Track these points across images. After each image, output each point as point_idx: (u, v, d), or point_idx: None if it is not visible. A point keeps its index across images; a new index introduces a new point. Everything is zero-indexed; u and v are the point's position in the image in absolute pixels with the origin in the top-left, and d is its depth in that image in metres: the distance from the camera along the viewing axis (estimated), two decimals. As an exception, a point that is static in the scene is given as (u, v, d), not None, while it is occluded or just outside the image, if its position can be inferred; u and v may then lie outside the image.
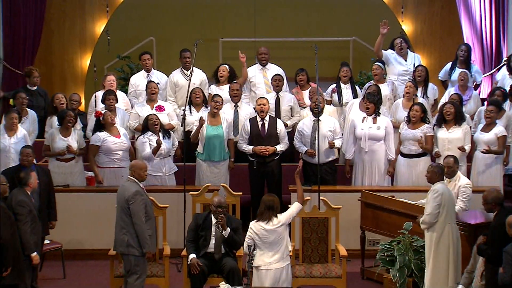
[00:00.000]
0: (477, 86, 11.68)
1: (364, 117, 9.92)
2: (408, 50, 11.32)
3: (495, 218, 7.38)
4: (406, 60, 11.20)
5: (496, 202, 7.39)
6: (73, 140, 9.90)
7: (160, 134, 9.89)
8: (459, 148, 9.61)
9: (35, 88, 11.29)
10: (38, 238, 7.92)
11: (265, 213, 7.47)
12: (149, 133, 9.87)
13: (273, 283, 7.37)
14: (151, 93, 10.61)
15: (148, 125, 9.89)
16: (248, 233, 7.49)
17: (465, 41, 12.22)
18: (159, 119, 9.95)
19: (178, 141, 10.46)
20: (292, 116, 10.73)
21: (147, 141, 9.82)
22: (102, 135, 9.87)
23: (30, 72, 11.32)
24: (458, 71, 11.06)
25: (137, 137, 10.09)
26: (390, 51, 11.16)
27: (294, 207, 7.68)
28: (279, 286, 7.35)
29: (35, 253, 7.76)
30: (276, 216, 7.48)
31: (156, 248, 8.09)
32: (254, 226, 7.46)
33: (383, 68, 10.92)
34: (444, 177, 8.16)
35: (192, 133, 10.04)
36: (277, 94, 10.74)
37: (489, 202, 7.42)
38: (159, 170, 9.90)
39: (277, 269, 7.41)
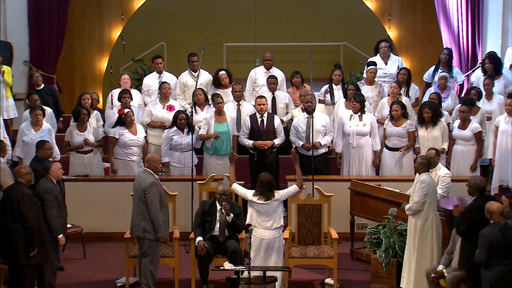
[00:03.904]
0: (459, 86, 11.66)
1: (351, 115, 9.93)
2: (391, 54, 11.33)
3: (473, 201, 7.43)
4: (386, 64, 11.22)
5: (475, 188, 7.40)
6: (90, 134, 9.97)
7: (185, 129, 9.88)
8: (440, 151, 9.61)
9: (41, 87, 11.25)
10: (63, 222, 7.89)
11: (266, 193, 7.57)
12: (174, 128, 9.87)
13: (267, 250, 7.53)
14: (165, 92, 10.57)
15: (176, 122, 9.88)
16: (244, 193, 7.70)
17: (444, 46, 12.21)
18: (187, 118, 9.91)
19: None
20: (287, 112, 10.71)
21: (170, 137, 9.86)
22: (121, 130, 9.92)
23: (31, 76, 11.33)
24: (440, 72, 11.07)
25: (167, 130, 10.02)
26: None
27: (292, 188, 7.79)
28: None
29: (61, 235, 7.75)
30: (276, 192, 7.60)
31: (168, 233, 8.12)
32: (252, 197, 7.61)
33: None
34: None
35: (203, 137, 10.03)
36: (273, 93, 10.73)
37: (470, 186, 7.45)
38: (179, 162, 9.93)
39: (271, 239, 7.55)
